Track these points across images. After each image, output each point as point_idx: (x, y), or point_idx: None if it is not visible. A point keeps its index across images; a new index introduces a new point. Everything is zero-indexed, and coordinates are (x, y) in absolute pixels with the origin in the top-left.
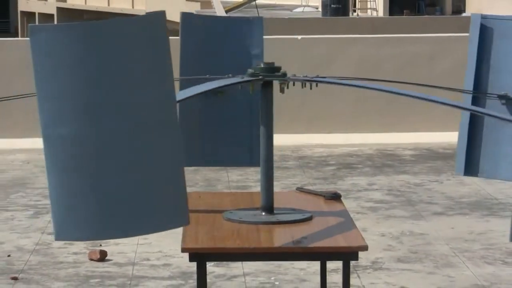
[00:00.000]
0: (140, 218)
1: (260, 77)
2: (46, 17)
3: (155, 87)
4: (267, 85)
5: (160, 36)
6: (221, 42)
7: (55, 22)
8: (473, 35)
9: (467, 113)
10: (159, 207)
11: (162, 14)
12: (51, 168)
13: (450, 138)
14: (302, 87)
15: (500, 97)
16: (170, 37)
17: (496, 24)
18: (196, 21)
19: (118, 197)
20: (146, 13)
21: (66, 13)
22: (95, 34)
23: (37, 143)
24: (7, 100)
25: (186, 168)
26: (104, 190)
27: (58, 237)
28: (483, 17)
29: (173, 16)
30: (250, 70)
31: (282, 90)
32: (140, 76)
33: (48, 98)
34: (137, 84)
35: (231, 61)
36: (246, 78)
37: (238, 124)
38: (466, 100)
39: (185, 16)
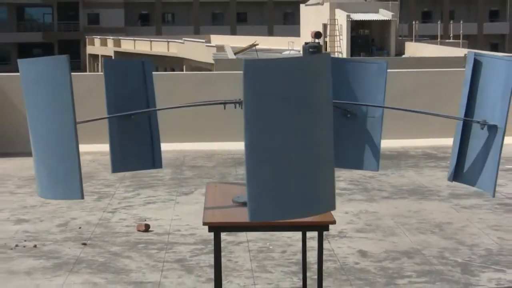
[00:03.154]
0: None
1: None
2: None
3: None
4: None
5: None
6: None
7: None
8: (467, 70)
9: (459, 134)
10: None
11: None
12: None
13: (393, 144)
14: None
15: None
16: (202, 72)
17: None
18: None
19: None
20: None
21: (121, 55)
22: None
23: (98, 147)
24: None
25: (205, 164)
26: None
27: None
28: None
29: (197, 56)
30: None
31: None
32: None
33: None
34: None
35: None
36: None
37: None
38: (458, 125)
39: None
